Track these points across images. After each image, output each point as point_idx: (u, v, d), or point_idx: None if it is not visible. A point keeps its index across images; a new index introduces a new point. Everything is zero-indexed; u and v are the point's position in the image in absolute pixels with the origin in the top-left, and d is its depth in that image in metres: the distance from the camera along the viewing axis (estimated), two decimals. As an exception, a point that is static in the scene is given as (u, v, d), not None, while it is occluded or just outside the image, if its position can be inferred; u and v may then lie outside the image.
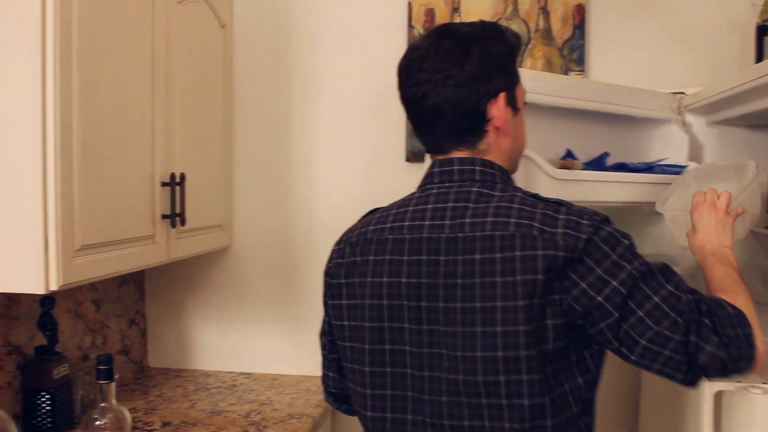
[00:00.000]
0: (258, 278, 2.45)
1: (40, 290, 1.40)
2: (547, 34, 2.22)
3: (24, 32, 1.39)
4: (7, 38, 1.40)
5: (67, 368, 1.84)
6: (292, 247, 2.42)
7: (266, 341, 2.45)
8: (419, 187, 1.19)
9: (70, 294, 2.02)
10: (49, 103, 1.39)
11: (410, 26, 2.29)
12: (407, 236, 1.10)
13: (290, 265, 2.42)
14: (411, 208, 1.14)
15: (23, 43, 1.39)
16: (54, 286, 1.41)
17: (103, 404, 1.38)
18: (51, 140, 1.40)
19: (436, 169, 1.16)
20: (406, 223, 1.12)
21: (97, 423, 1.37)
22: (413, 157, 2.29)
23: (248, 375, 2.43)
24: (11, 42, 1.40)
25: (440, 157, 1.17)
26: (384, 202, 1.21)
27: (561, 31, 2.21)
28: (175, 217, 1.86)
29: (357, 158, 2.35)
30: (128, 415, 1.41)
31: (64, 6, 1.42)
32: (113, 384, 1.39)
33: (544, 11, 2.22)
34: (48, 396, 1.78)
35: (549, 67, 2.22)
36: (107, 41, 1.59)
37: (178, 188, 1.88)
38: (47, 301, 1.83)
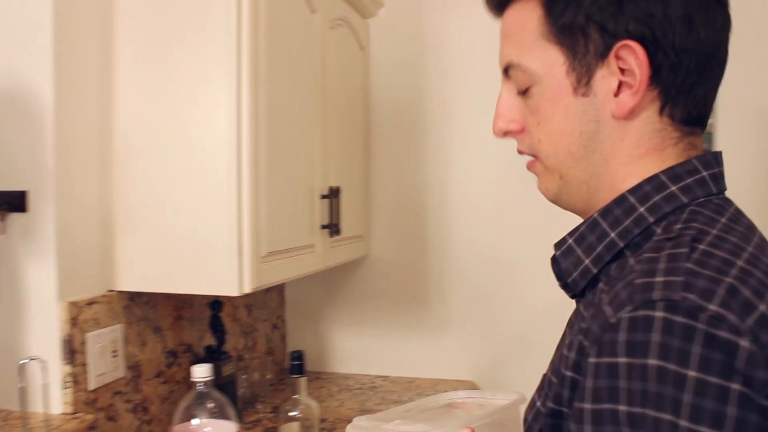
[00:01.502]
0: (393, 286, 2.58)
1: (234, 292, 1.56)
2: None
3: (222, 63, 1.56)
4: (207, 68, 1.57)
5: (233, 366, 2.00)
6: (426, 257, 2.53)
7: (401, 346, 2.57)
8: (710, 192, 0.81)
9: (228, 299, 2.19)
10: (243, 124, 1.55)
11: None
12: None
13: (424, 274, 2.54)
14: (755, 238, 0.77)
15: (221, 72, 1.56)
16: (247, 289, 1.56)
17: (295, 396, 1.52)
18: (245, 157, 1.56)
19: (717, 170, 0.83)
20: None
21: (290, 414, 1.51)
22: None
23: (385, 378, 2.55)
24: (211, 72, 1.57)
25: (698, 140, 0.85)
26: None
27: None
28: (332, 227, 2.00)
29: (490, 174, 2.46)
30: (317, 408, 1.54)
31: (253, 37, 1.57)
32: (304, 378, 1.53)
33: None
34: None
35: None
36: (284, 67, 1.74)
37: (333, 200, 2.02)
38: (217, 304, 1.99)
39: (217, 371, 1.94)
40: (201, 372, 1.35)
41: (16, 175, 1.54)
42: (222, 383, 1.95)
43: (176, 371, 1.92)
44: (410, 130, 2.53)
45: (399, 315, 2.58)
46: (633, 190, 0.80)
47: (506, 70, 0.88)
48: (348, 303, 2.63)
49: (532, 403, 0.86)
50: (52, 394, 1.51)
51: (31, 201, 1.53)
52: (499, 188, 2.44)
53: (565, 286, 0.88)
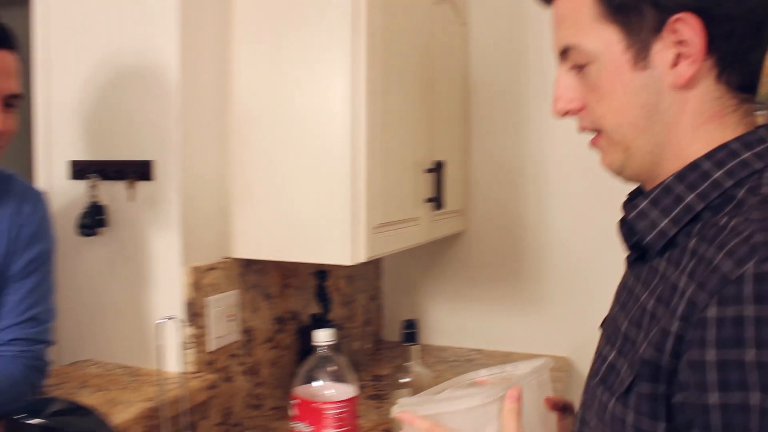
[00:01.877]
0: (490, 261, 2.60)
1: (348, 261, 1.61)
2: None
3: (338, 38, 1.61)
4: (324, 42, 1.62)
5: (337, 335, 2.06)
6: (523, 232, 2.55)
7: (497, 320, 2.60)
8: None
9: (331, 269, 2.25)
10: (360, 98, 1.60)
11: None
12: None
13: (521, 249, 2.56)
14: None
15: (338, 47, 1.61)
16: (361, 258, 1.61)
17: (407, 363, 1.57)
18: (361, 130, 1.60)
19: None
20: None
21: (401, 380, 1.56)
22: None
23: (479, 351, 2.58)
24: (328, 46, 1.61)
25: (751, 108, 0.89)
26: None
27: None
28: (435, 201, 2.03)
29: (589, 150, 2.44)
30: (428, 376, 1.59)
31: (370, 13, 1.61)
32: (418, 346, 1.58)
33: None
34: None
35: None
36: (396, 42, 1.77)
37: (438, 174, 2.05)
38: (322, 274, 2.05)
39: (322, 338, 2.01)
40: (323, 336, 1.40)
41: (144, 145, 1.62)
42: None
43: (284, 337, 1.99)
44: (509, 105, 2.54)
45: (495, 289, 2.60)
46: (707, 157, 0.83)
47: (563, 53, 0.91)
48: (444, 277, 2.66)
49: (603, 358, 0.89)
50: (176, 354, 1.60)
51: (157, 170, 1.61)
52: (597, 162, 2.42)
53: (632, 247, 0.93)
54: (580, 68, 0.89)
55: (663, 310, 0.78)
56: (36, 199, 1.42)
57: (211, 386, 1.63)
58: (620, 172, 0.94)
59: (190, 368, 1.62)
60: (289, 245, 1.69)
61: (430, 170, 2.01)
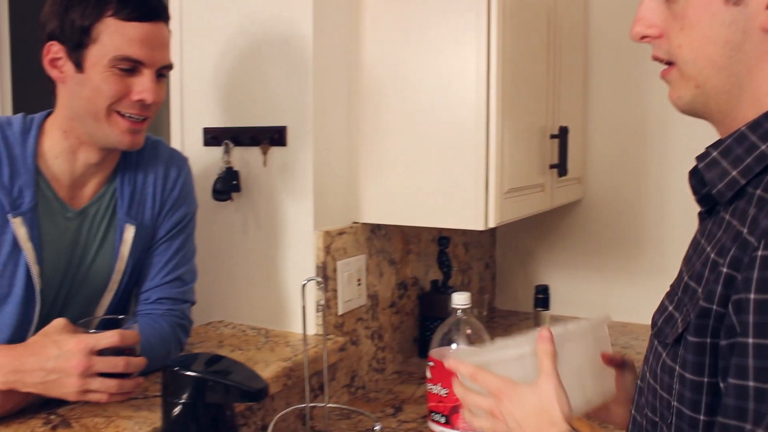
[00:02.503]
0: (607, 230, 2.55)
1: (480, 227, 1.61)
2: None
3: (470, 5, 1.60)
4: (454, 8, 1.61)
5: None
6: (643, 202, 2.48)
7: (613, 290, 2.55)
8: None
9: (450, 236, 2.25)
10: (492, 64, 1.59)
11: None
12: None
13: (640, 219, 2.49)
14: None
15: (470, 12, 1.60)
16: (492, 224, 1.60)
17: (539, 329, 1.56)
18: (493, 95, 1.59)
19: None
20: None
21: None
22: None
23: (596, 321, 2.54)
24: (459, 12, 1.60)
25: None
26: None
27: None
28: (560, 167, 2.00)
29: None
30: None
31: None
32: (548, 312, 1.57)
33: None
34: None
35: None
36: (525, 5, 1.74)
37: (562, 140, 2.02)
38: (443, 240, 2.05)
39: (442, 304, 2.01)
40: (460, 300, 1.40)
41: (276, 112, 1.65)
42: (448, 316, 2.02)
43: (405, 303, 2.01)
44: (630, 69, 2.46)
45: (613, 259, 2.55)
46: None
47: None
48: (560, 245, 2.63)
49: (663, 309, 0.88)
50: (310, 317, 1.64)
51: (290, 136, 1.64)
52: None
53: (702, 200, 0.89)
54: None
55: (723, 260, 0.76)
56: (181, 164, 1.47)
57: (341, 348, 1.66)
58: (687, 110, 0.89)
59: (321, 330, 1.65)
60: (418, 211, 1.70)
61: (554, 136, 1.98)
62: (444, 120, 1.63)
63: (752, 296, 0.70)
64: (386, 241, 1.88)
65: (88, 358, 1.12)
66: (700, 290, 0.79)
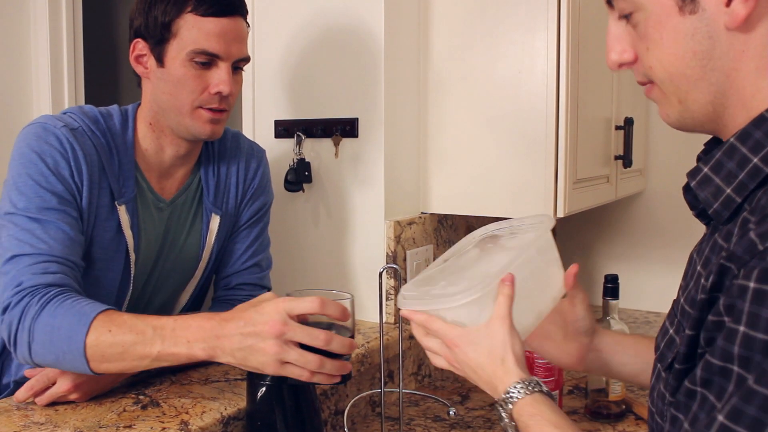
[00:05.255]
0: (670, 222, 2.54)
1: (549, 217, 1.62)
2: None
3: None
4: (526, 3, 1.62)
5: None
6: (707, 192, 2.46)
7: (675, 283, 2.53)
8: None
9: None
10: (562, 53, 1.60)
11: None
12: None
13: (703, 210, 2.47)
14: None
15: (540, 4, 1.61)
16: (561, 214, 1.62)
17: (607, 318, 1.57)
18: (563, 89, 1.60)
19: None
20: None
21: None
22: None
23: (657, 314, 2.53)
24: (530, 7, 1.62)
25: None
26: None
27: None
28: (625, 158, 2.00)
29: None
30: (627, 331, 1.58)
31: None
32: (617, 301, 1.58)
33: None
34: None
35: None
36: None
37: (627, 131, 2.01)
38: (507, 231, 2.07)
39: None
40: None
41: (348, 103, 1.69)
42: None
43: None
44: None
45: (673, 252, 2.53)
46: None
47: (609, 2, 0.84)
48: (620, 237, 2.62)
49: (665, 331, 0.86)
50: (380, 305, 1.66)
51: (361, 128, 1.67)
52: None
53: (699, 215, 0.86)
54: (628, 17, 0.82)
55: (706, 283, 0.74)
56: (260, 156, 1.52)
57: (410, 336, 1.69)
58: (680, 126, 0.85)
59: (391, 319, 1.68)
60: (486, 201, 1.72)
61: (619, 127, 1.98)
62: (513, 110, 1.65)
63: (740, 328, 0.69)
64: (453, 231, 1.90)
65: (285, 321, 1.03)
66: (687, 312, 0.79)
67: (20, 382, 1.36)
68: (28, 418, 1.16)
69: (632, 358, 1.14)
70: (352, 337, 1.12)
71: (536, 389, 0.92)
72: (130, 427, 1.13)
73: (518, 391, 0.92)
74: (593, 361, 1.15)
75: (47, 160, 1.23)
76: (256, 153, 1.51)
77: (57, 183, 1.23)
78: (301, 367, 1.05)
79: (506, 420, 0.93)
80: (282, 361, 1.04)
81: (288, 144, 1.74)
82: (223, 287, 1.48)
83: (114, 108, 1.36)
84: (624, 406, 1.56)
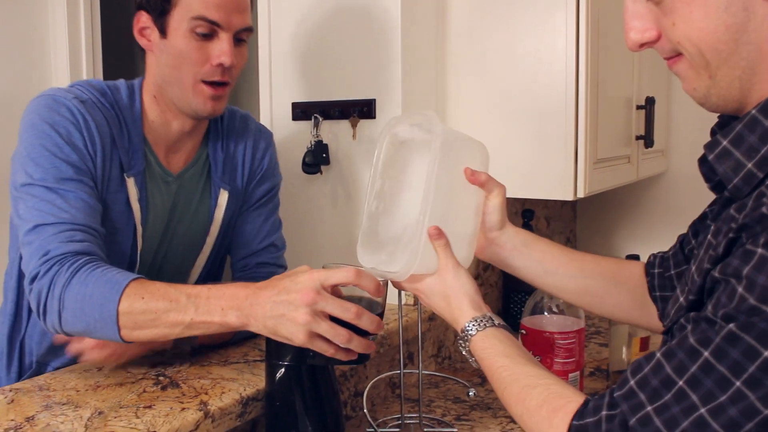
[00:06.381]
0: (691, 203, 2.50)
1: (569, 197, 1.61)
2: None
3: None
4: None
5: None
6: (730, 172, 2.43)
7: (699, 264, 2.51)
8: None
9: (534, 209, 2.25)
10: (581, 31, 1.58)
11: None
12: None
13: (726, 191, 2.45)
14: None
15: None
16: (581, 194, 1.60)
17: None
18: (583, 68, 1.59)
19: None
20: None
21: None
22: None
23: (680, 296, 2.52)
24: None
25: None
26: None
27: None
28: (646, 138, 1.98)
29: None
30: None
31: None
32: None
33: None
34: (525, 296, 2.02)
35: None
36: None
37: (649, 111, 1.99)
38: (528, 213, 2.06)
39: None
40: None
41: (366, 84, 1.67)
42: (530, 290, 2.02)
43: (490, 275, 2.02)
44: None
45: (697, 232, 2.51)
46: None
47: None
48: (642, 219, 2.60)
49: (676, 299, 0.87)
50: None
51: (379, 109, 1.66)
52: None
53: (715, 187, 0.83)
54: None
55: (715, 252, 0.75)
56: (268, 138, 1.52)
57: (430, 318, 1.69)
58: (705, 102, 0.81)
59: (411, 300, 1.68)
60: (505, 182, 1.69)
61: (640, 107, 1.95)
62: (532, 90, 1.64)
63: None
64: (471, 213, 1.89)
65: (318, 290, 1.02)
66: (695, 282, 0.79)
67: (42, 363, 1.37)
68: (50, 398, 1.17)
69: (533, 263, 1.19)
70: (381, 316, 1.11)
71: (488, 324, 1.02)
72: (150, 407, 1.13)
73: (473, 328, 1.02)
74: (493, 255, 1.21)
75: (60, 130, 1.22)
76: (264, 135, 1.52)
77: (72, 153, 1.22)
78: (328, 342, 1.04)
79: (468, 356, 1.05)
80: (312, 332, 1.03)
81: (305, 126, 1.73)
82: (243, 269, 1.48)
83: (120, 82, 1.36)
84: (645, 387, 1.54)
